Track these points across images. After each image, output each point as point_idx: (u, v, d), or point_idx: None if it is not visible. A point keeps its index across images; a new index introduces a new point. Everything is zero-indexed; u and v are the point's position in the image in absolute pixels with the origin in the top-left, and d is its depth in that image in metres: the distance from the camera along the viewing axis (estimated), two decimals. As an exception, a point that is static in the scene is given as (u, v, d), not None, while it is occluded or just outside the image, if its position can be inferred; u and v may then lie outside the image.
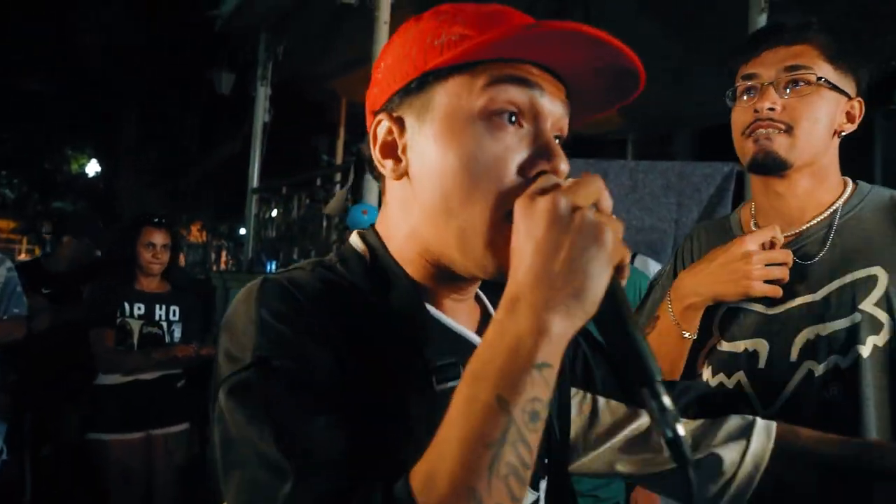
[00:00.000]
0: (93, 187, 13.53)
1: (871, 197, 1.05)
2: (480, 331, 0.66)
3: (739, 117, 1.06)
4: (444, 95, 0.62)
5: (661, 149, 9.74)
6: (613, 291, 0.52)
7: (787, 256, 1.00)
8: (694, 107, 6.84)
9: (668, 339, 1.06)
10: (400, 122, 0.65)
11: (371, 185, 4.25)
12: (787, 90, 1.01)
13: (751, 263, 0.98)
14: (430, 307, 0.65)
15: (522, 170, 0.60)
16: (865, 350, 0.95)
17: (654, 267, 3.15)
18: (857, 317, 0.96)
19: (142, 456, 2.75)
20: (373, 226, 0.70)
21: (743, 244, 0.99)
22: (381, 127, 0.66)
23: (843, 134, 1.06)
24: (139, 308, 2.82)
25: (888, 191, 1.06)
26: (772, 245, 1.02)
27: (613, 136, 8.21)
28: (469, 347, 0.58)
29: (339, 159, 7.08)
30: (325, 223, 4.86)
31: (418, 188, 0.63)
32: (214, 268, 9.97)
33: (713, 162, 4.06)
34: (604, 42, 0.60)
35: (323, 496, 0.48)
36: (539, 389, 0.49)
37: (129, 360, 2.75)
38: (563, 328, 0.50)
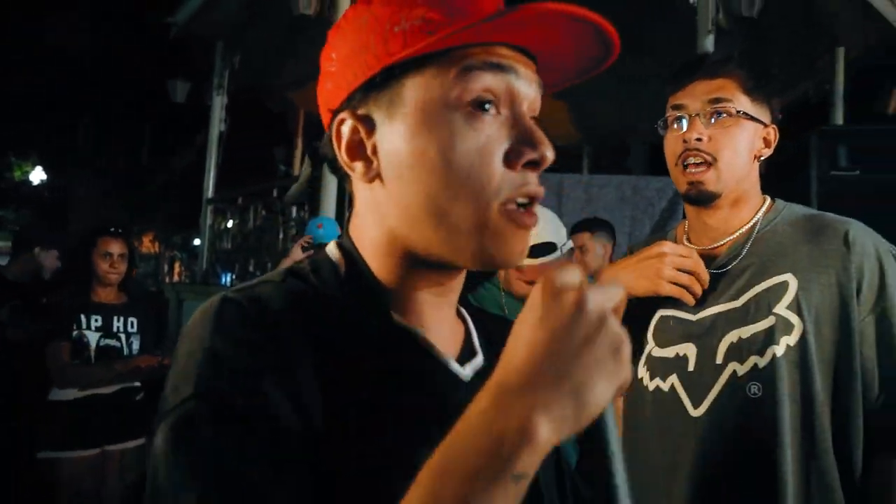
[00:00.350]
0: (38, 195, 13.05)
1: (785, 213, 1.16)
2: (464, 350, 0.64)
3: (671, 147, 1.16)
4: (413, 88, 0.57)
5: (616, 162, 9.98)
6: (606, 412, 0.48)
7: (698, 266, 1.10)
8: (648, 121, 7.02)
9: None
10: (366, 121, 0.59)
11: (329, 181, 4.22)
12: (712, 120, 1.11)
13: (663, 263, 1.09)
14: (402, 319, 0.60)
15: (509, 159, 0.57)
16: (780, 350, 1.05)
17: None
18: (772, 320, 1.06)
19: (95, 474, 2.66)
20: (348, 232, 0.64)
21: (661, 246, 1.10)
22: (344, 126, 0.60)
23: (762, 158, 1.17)
24: (96, 320, 2.74)
25: (801, 208, 1.19)
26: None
27: (569, 149, 8.38)
28: (438, 366, 0.59)
29: (296, 170, 7.02)
30: (282, 235, 4.81)
31: (395, 190, 0.58)
32: (167, 279, 9.72)
33: (666, 176, 4.18)
34: (583, 19, 0.57)
35: None
36: (525, 470, 0.42)
37: (89, 374, 2.66)
38: (550, 437, 0.43)
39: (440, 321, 0.62)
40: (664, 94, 1.20)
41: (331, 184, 4.24)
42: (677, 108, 1.15)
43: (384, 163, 0.58)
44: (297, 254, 3.39)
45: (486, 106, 0.56)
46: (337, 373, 0.52)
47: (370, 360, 0.55)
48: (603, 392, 0.44)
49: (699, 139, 1.10)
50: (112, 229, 2.86)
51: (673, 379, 1.13)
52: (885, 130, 2.84)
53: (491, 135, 0.56)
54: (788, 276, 1.07)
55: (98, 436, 2.66)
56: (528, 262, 1.75)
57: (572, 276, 0.47)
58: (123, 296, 2.87)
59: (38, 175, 13.15)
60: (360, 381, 0.52)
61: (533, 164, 0.57)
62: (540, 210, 0.66)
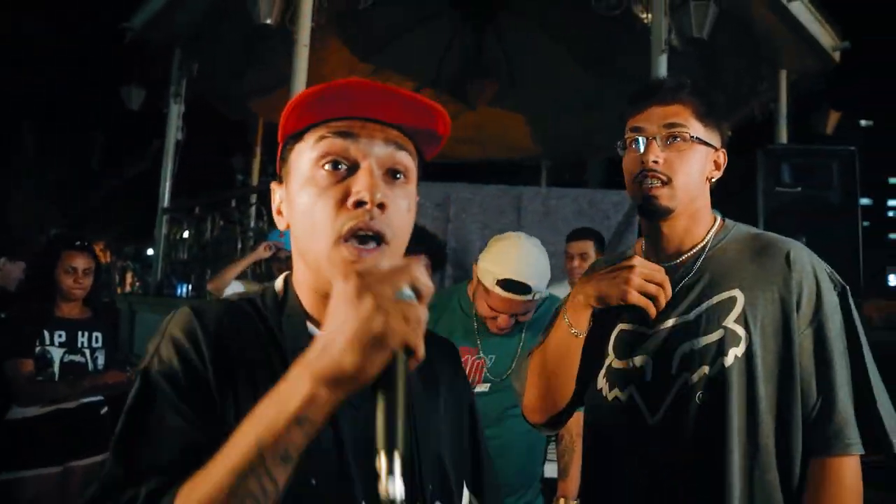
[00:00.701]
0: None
1: (734, 232, 1.24)
2: None
3: (629, 166, 1.23)
4: (294, 157, 0.78)
5: (574, 176, 10.17)
6: (392, 366, 0.58)
7: (665, 280, 1.15)
8: (605, 137, 7.22)
9: (558, 334, 1.24)
10: (281, 186, 0.81)
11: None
12: (668, 142, 1.19)
13: (633, 273, 1.14)
14: (311, 326, 0.78)
15: (343, 202, 0.72)
16: (728, 360, 1.12)
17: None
18: (722, 332, 1.13)
19: (58, 491, 2.57)
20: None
21: (632, 260, 1.16)
22: (274, 194, 0.83)
23: (713, 180, 1.25)
24: (60, 335, 2.63)
25: (748, 227, 1.27)
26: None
27: (528, 163, 8.51)
28: None
29: (255, 179, 6.93)
30: (240, 245, 4.74)
31: (293, 235, 0.78)
32: (119, 290, 9.44)
33: (622, 190, 4.29)
34: (382, 90, 0.74)
35: (111, 487, 0.63)
36: (295, 437, 0.59)
37: (54, 391, 2.56)
38: (331, 396, 0.58)
39: None
40: (623, 115, 1.27)
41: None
42: (636, 130, 1.22)
43: (287, 215, 0.80)
44: (260, 252, 3.37)
45: (335, 164, 0.74)
46: (252, 370, 0.72)
47: (279, 364, 0.72)
48: (371, 357, 0.57)
49: (656, 161, 1.18)
50: (77, 243, 2.77)
51: (631, 389, 1.19)
52: (823, 150, 3.03)
53: (335, 184, 0.73)
54: (736, 292, 1.15)
55: (62, 452, 2.57)
56: (498, 291, 1.77)
57: (361, 266, 0.60)
58: (88, 310, 2.78)
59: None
60: (269, 379, 0.64)
61: (359, 204, 0.71)
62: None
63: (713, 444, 1.09)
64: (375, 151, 0.75)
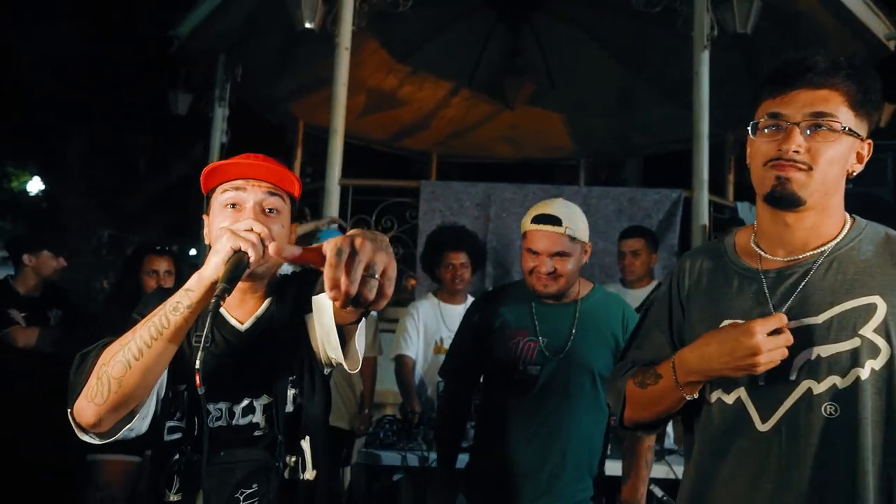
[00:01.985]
0: (34, 205, 13.02)
1: (868, 231, 1.13)
2: (259, 316, 1.28)
3: (762, 149, 1.11)
4: (213, 203, 1.27)
5: (611, 174, 10.07)
6: (234, 263, 1.03)
7: (790, 341, 1.03)
8: (641, 135, 7.14)
9: (670, 396, 1.16)
10: (207, 218, 1.30)
11: (332, 191, 4.27)
12: (809, 131, 1.07)
13: (758, 358, 1.01)
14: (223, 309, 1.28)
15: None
16: (864, 373, 1.02)
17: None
18: (858, 341, 1.03)
19: (128, 480, 2.71)
20: None
21: (752, 335, 1.01)
22: (204, 221, 1.32)
23: (854, 174, 1.13)
24: None
25: (882, 227, 1.15)
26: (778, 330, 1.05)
27: (565, 162, 8.47)
28: (227, 325, 1.27)
29: (295, 181, 7.04)
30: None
31: (212, 249, 1.17)
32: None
33: (662, 189, 4.25)
34: (257, 163, 1.25)
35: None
36: (183, 299, 1.06)
37: None
38: (196, 283, 1.06)
39: (241, 305, 1.29)
40: (758, 93, 1.14)
41: (333, 194, 4.29)
42: (774, 116, 1.10)
43: (209, 237, 1.28)
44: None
45: (232, 206, 1.24)
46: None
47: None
48: (214, 260, 1.05)
49: (797, 150, 1.06)
50: (158, 248, 2.99)
51: (739, 392, 1.11)
52: (877, 145, 2.92)
53: (233, 218, 1.21)
54: (877, 299, 1.04)
55: (142, 441, 2.70)
56: (532, 227, 1.87)
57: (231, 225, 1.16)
58: None
59: (35, 185, 13.14)
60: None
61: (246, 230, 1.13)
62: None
63: (843, 463, 1.01)
64: (255, 197, 1.23)
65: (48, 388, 2.93)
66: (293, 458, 1.23)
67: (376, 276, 0.77)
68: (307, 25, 4.26)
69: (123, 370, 1.04)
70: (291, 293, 1.29)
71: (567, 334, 1.90)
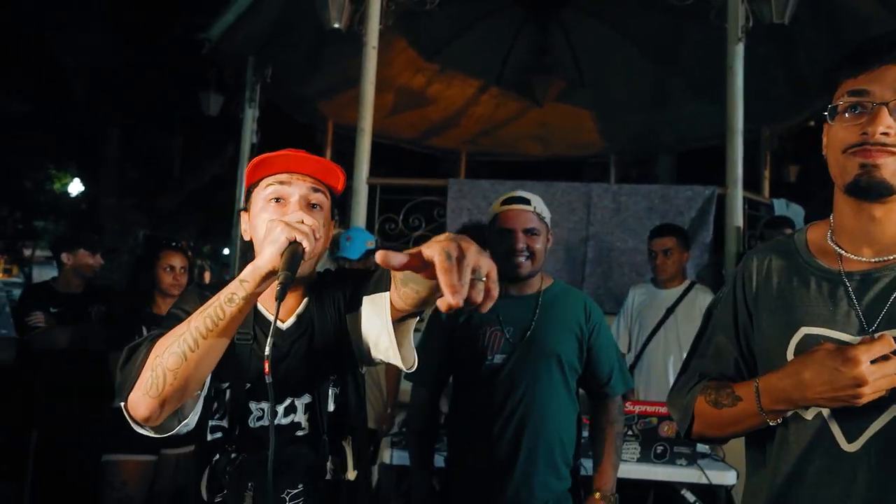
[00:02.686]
0: (75, 206, 13.40)
1: None
2: (300, 315, 1.29)
3: (842, 135, 0.99)
4: (254, 197, 1.29)
5: (643, 172, 9.90)
6: (290, 254, 1.04)
7: None
8: (673, 131, 7.01)
9: (749, 420, 1.05)
10: (247, 214, 1.31)
11: (359, 213, 4.28)
12: None
13: (863, 389, 0.90)
14: (259, 305, 1.29)
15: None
16: None
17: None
18: None
19: (145, 478, 2.75)
20: None
21: (856, 364, 0.90)
22: (242, 217, 1.32)
23: None
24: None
25: None
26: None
27: (596, 160, 8.36)
28: (267, 323, 1.25)
29: (325, 180, 7.09)
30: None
31: (255, 245, 1.26)
32: (197, 288, 9.88)
33: (695, 185, 4.16)
34: (300, 156, 1.26)
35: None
36: (238, 290, 1.04)
37: None
38: (251, 273, 1.05)
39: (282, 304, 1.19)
40: (835, 74, 1.02)
41: (360, 193, 4.30)
42: (858, 93, 0.97)
43: (249, 233, 1.30)
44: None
45: (276, 200, 1.24)
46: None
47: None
48: (269, 249, 1.05)
49: (886, 133, 0.94)
50: (174, 243, 3.02)
51: (821, 408, 1.00)
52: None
53: (276, 212, 1.22)
54: None
55: (157, 440, 2.75)
56: (503, 208, 1.98)
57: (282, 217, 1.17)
58: None
59: (76, 187, 13.52)
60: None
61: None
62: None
63: None
64: (300, 192, 1.24)
65: (73, 387, 3.03)
66: (336, 459, 1.23)
67: (483, 278, 0.78)
68: (335, 25, 4.27)
69: (179, 362, 1.02)
70: (333, 293, 1.31)
71: (529, 322, 1.94)
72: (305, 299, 1.31)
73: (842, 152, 0.99)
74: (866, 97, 0.97)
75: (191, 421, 1.13)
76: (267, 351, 0.98)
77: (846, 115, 0.98)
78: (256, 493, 1.15)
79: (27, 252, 16.41)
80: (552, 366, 1.91)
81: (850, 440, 0.97)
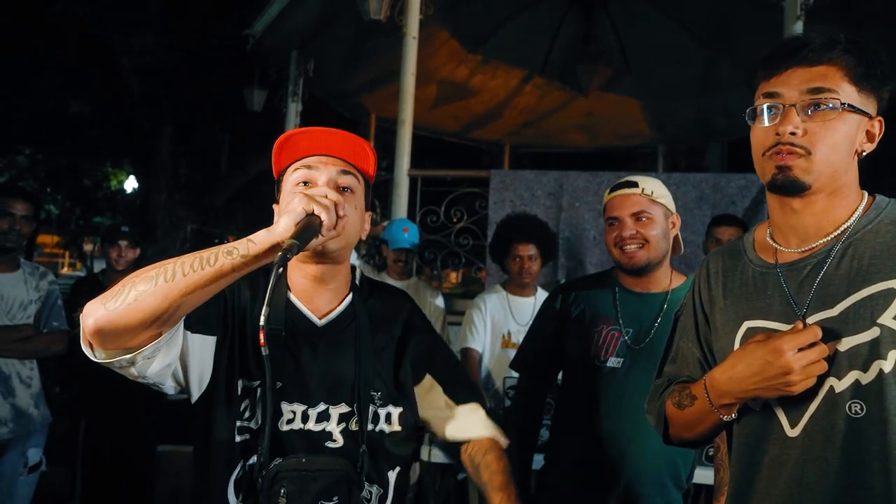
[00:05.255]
0: (130, 203, 13.89)
1: (889, 210, 1.04)
2: (341, 314, 1.23)
3: (760, 138, 1.06)
4: (284, 184, 1.21)
5: (691, 162, 9.59)
6: (305, 225, 1.00)
7: (825, 352, 0.97)
8: (724, 119, 6.73)
9: (708, 417, 1.10)
10: (278, 206, 1.24)
11: (400, 205, 4.25)
12: (809, 112, 1.01)
13: (792, 377, 0.96)
14: (292, 296, 1.22)
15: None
16: (888, 365, 0.95)
17: None
18: (877, 331, 0.96)
19: None
20: None
21: (780, 354, 0.95)
22: (275, 211, 1.25)
23: (864, 153, 1.06)
24: None
25: None
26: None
27: (643, 150, 8.13)
28: (302, 317, 1.21)
29: (368, 174, 7.12)
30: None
31: None
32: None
33: (748, 174, 3.97)
34: (321, 132, 1.17)
35: None
36: (241, 247, 0.99)
37: None
38: (262, 237, 1.00)
39: (317, 296, 1.22)
40: (754, 78, 1.09)
41: (402, 185, 4.27)
42: (770, 95, 1.04)
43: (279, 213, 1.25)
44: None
45: (304, 184, 1.17)
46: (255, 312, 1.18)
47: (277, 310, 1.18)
48: (286, 219, 1.01)
49: (794, 133, 1.00)
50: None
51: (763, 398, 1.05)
52: None
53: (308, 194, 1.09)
54: (895, 283, 0.97)
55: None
56: (610, 196, 1.80)
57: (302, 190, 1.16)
58: None
59: (131, 184, 14.02)
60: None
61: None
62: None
63: (875, 465, 0.94)
64: (328, 174, 1.17)
65: (125, 383, 3.10)
66: (374, 488, 1.15)
67: None
68: (374, 17, 4.25)
69: (148, 285, 0.95)
70: (395, 325, 1.28)
71: (651, 325, 1.74)
72: (348, 300, 1.23)
73: (761, 155, 1.05)
74: (777, 99, 1.03)
75: (140, 366, 1.02)
76: (262, 320, 0.93)
77: (763, 116, 1.05)
78: (289, 500, 1.08)
79: (88, 247, 17.13)
80: None
81: (792, 426, 1.01)
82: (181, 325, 1.06)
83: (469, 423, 1.27)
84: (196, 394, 1.14)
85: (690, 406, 1.12)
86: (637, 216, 1.73)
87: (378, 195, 4.61)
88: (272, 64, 5.88)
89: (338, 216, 1.06)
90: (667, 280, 1.79)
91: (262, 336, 0.93)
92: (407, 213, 4.31)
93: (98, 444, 3.20)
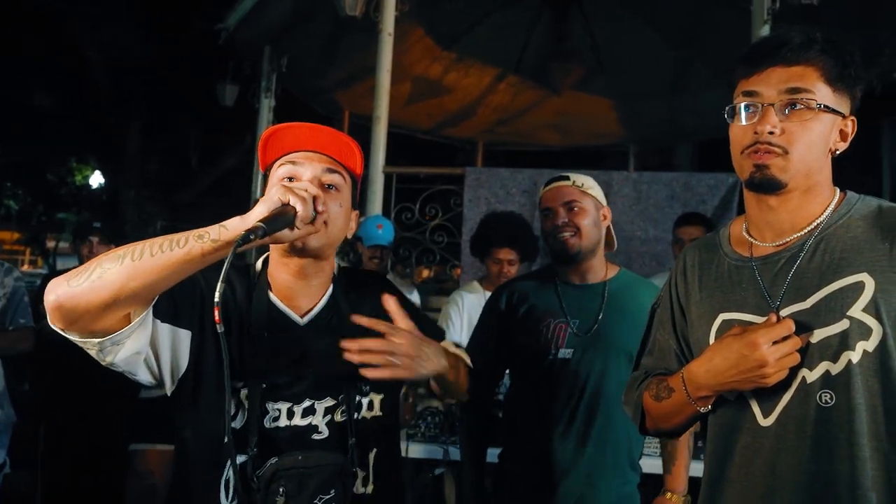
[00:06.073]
0: (96, 198, 13.56)
1: (859, 206, 1.08)
2: (323, 309, 1.22)
3: (739, 137, 1.08)
4: (270, 178, 1.20)
5: (661, 160, 9.75)
6: (277, 213, 1.00)
7: (798, 344, 1.00)
8: (693, 119, 6.86)
9: (685, 409, 1.13)
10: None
11: (374, 202, 4.25)
12: (787, 111, 1.04)
13: (767, 370, 0.98)
14: (273, 296, 1.20)
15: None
16: (855, 356, 0.98)
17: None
18: (846, 323, 0.99)
19: (170, 471, 2.77)
20: None
21: (755, 348, 0.98)
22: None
23: (838, 152, 1.09)
24: None
25: (876, 200, 1.10)
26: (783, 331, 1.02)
27: (614, 149, 8.23)
28: (284, 317, 1.19)
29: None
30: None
31: None
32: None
33: (718, 173, 4.06)
34: (307, 128, 1.16)
35: None
36: (213, 231, 0.98)
37: None
38: (235, 223, 0.99)
39: (299, 295, 1.21)
40: (733, 76, 1.11)
41: (376, 182, 4.27)
42: (749, 94, 1.07)
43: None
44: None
45: (290, 179, 1.15)
46: (232, 311, 1.18)
47: (243, 308, 1.18)
48: (260, 208, 1.01)
49: (772, 132, 1.03)
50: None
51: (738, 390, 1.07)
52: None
53: (287, 185, 1.08)
54: (864, 276, 1.00)
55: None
56: (542, 191, 1.91)
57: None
58: None
59: (97, 179, 13.69)
60: (244, 318, 1.18)
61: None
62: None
63: (842, 452, 0.97)
64: (313, 171, 1.16)
65: (94, 378, 3.04)
66: (361, 472, 1.18)
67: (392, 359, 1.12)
68: (350, 13, 4.23)
69: (114, 264, 0.95)
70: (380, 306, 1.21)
71: (596, 314, 1.81)
72: (328, 294, 1.23)
73: (740, 153, 1.08)
74: (756, 98, 1.06)
75: (114, 355, 1.01)
76: (216, 297, 0.91)
77: (742, 114, 1.07)
78: (288, 498, 1.08)
79: (50, 244, 16.69)
80: (621, 362, 1.76)
81: (765, 416, 1.04)
82: (149, 313, 1.04)
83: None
84: (170, 385, 1.12)
85: (668, 398, 1.15)
86: (569, 206, 1.82)
87: (357, 188, 4.60)
88: (245, 59, 5.80)
89: (317, 211, 1.06)
90: (602, 271, 1.88)
91: (216, 312, 0.92)
92: (382, 209, 4.30)
93: (62, 444, 3.14)
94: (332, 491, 1.11)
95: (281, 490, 1.08)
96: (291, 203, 1.01)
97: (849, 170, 1.14)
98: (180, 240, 0.97)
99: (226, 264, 0.93)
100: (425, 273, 7.52)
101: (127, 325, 1.01)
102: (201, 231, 0.98)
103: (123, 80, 9.43)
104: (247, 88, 5.97)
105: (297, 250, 1.15)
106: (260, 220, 0.97)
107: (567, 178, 1.87)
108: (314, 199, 1.06)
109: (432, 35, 6.11)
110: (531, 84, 6.70)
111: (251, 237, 0.95)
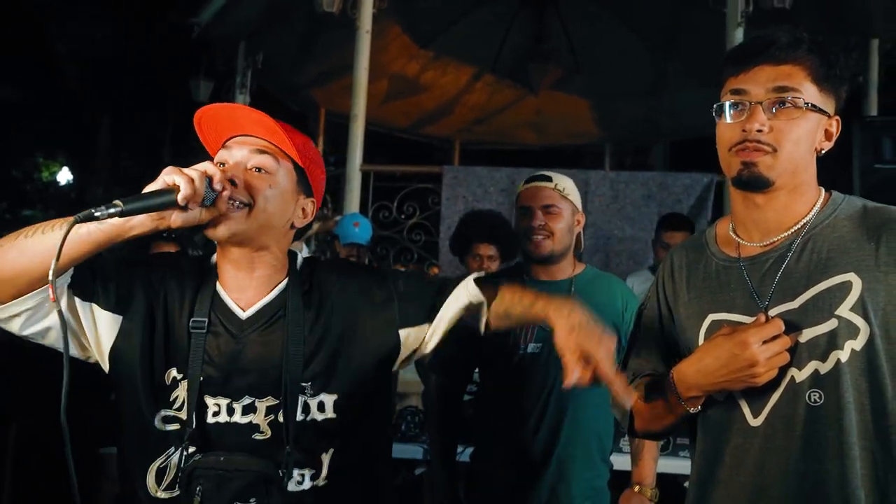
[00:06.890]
0: (63, 196, 13.25)
1: (844, 206, 1.09)
2: (269, 304, 1.15)
3: (727, 134, 1.08)
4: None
5: (637, 159, 9.87)
6: (152, 192, 0.97)
7: (787, 344, 1.00)
8: (669, 119, 6.95)
9: (675, 410, 1.12)
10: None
11: (352, 200, 4.21)
12: (774, 109, 1.04)
13: (757, 369, 0.98)
14: (219, 287, 1.16)
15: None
16: (844, 355, 0.99)
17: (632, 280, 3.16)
18: (835, 322, 1.00)
19: None
20: None
21: (746, 347, 0.98)
22: None
23: (823, 151, 1.10)
24: None
25: (861, 200, 1.11)
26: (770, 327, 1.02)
27: (591, 148, 8.30)
28: (226, 309, 1.14)
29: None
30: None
31: None
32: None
33: (693, 173, 4.11)
34: (229, 108, 1.12)
35: None
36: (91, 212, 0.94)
37: None
38: (123, 225, 0.99)
39: (244, 287, 1.16)
40: (722, 74, 1.11)
41: (354, 180, 4.23)
42: (737, 92, 1.07)
43: None
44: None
45: (223, 164, 1.11)
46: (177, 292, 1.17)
47: (189, 294, 1.16)
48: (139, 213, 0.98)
49: (760, 130, 1.03)
50: (164, 234, 2.95)
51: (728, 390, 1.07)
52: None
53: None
54: (851, 276, 1.00)
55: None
56: (524, 188, 1.92)
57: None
58: None
59: (64, 175, 13.36)
60: (189, 308, 1.15)
61: (232, 184, 1.07)
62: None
63: (831, 451, 0.98)
64: (240, 154, 1.11)
65: (58, 377, 2.97)
66: (306, 471, 1.11)
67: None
68: (327, 10, 4.19)
69: (9, 240, 1.00)
70: (356, 299, 1.18)
71: None
72: (279, 288, 1.16)
73: (727, 150, 1.07)
74: (744, 96, 1.06)
75: (16, 326, 1.05)
76: (50, 276, 0.90)
77: (730, 112, 1.07)
78: (204, 499, 1.05)
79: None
80: None
81: (755, 415, 1.05)
82: (47, 290, 0.99)
83: (455, 301, 1.20)
84: (106, 364, 1.13)
85: (657, 399, 1.14)
86: (547, 209, 1.84)
87: (330, 190, 4.55)
88: (219, 54, 5.71)
89: (215, 190, 1.01)
90: (570, 268, 1.92)
91: (50, 291, 0.91)
92: (359, 208, 4.27)
93: (32, 447, 3.06)
94: (253, 499, 1.06)
95: (198, 489, 1.05)
96: (176, 182, 0.97)
97: (821, 172, 1.15)
98: (70, 223, 0.95)
99: (60, 242, 0.91)
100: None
101: (22, 296, 1.02)
102: (90, 211, 0.95)
103: (94, 74, 9.21)
104: (221, 85, 5.88)
105: (231, 239, 1.09)
106: (129, 198, 0.94)
107: (549, 180, 1.88)
108: (210, 178, 1.01)
109: (409, 33, 6.08)
110: (508, 83, 6.71)
111: (96, 215, 0.92)
